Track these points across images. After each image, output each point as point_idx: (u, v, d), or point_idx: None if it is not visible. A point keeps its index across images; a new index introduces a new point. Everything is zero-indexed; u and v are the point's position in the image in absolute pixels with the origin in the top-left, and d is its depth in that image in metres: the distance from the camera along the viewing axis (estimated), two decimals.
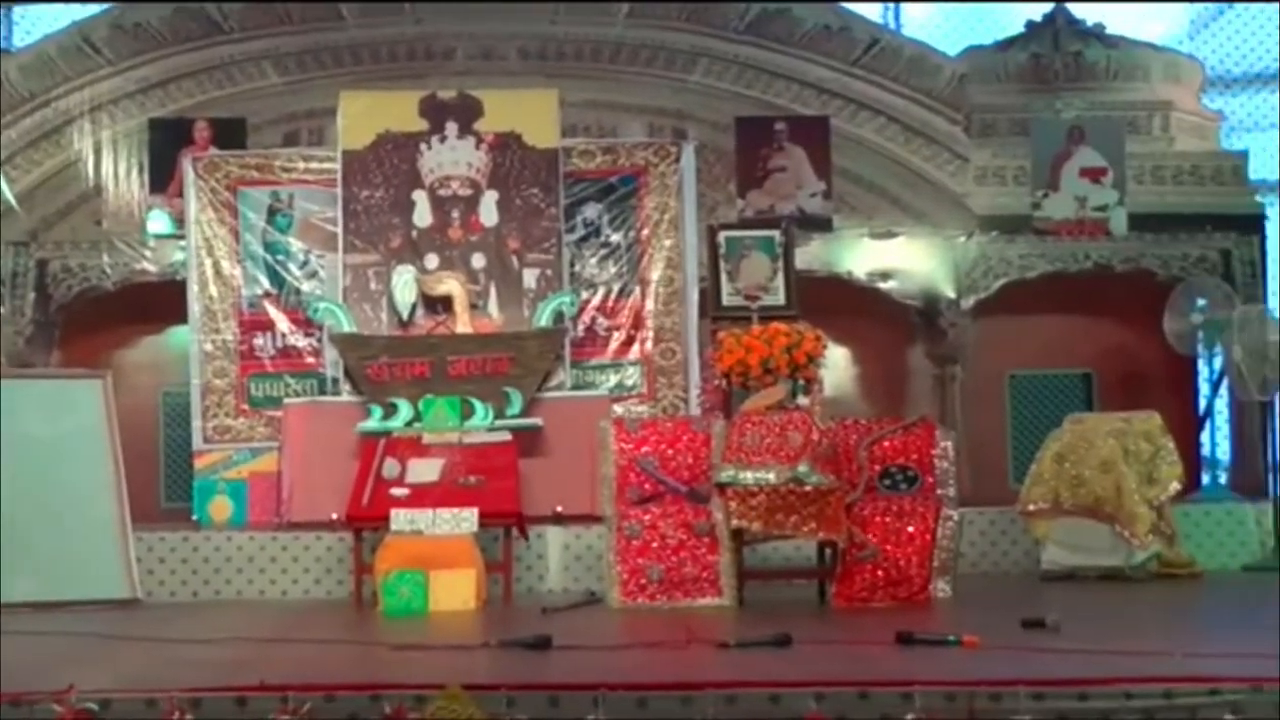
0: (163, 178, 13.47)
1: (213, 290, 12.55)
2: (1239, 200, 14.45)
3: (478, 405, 11.61)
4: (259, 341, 12.53)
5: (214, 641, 8.06)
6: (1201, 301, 12.81)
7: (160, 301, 13.29)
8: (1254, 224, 14.36)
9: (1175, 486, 11.09)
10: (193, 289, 12.57)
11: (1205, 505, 11.92)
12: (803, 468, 9.52)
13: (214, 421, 12.44)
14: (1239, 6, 15.04)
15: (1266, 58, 15.05)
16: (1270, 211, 14.53)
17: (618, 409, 12.04)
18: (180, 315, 12.74)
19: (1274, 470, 11.99)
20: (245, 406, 12.46)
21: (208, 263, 12.58)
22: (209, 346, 12.51)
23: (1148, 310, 13.24)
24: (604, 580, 9.97)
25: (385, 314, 12.34)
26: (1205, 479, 13.08)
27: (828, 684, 6.19)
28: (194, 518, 12.15)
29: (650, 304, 12.67)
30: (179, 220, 13.02)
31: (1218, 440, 13.37)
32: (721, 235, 12.11)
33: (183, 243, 12.87)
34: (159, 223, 13.50)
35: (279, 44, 14.29)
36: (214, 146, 13.35)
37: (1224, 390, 13.13)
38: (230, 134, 13.61)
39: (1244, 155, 14.60)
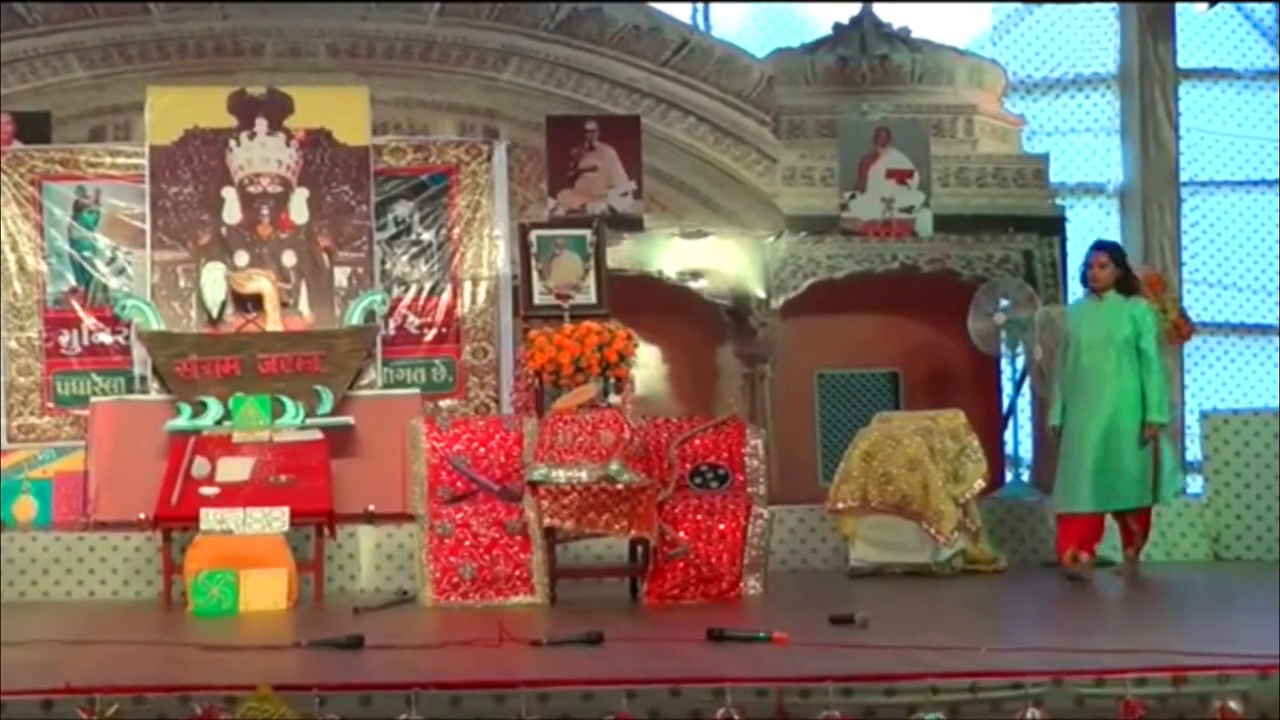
0: None
1: (17, 287, 12.32)
2: (1040, 203, 14.72)
3: (288, 404, 11.52)
4: (65, 339, 12.31)
5: (18, 644, 7.89)
6: (1004, 302, 13.04)
7: None
8: (1054, 226, 14.62)
9: (980, 484, 11.29)
10: None
11: (1009, 502, 12.15)
12: (614, 466, 9.58)
13: (18, 420, 12.21)
14: (1039, 13, 15.33)
15: (1065, 64, 15.35)
16: (1069, 214, 14.84)
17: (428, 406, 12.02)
18: None
19: None
20: (51, 405, 12.24)
21: (11, 259, 12.34)
22: (13, 344, 12.27)
23: (952, 310, 13.45)
24: (416, 579, 9.96)
25: (194, 311, 12.20)
26: (1009, 476, 13.31)
27: (639, 681, 6.24)
28: None
29: (462, 302, 12.64)
30: None
31: (1020, 438, 13.61)
32: (533, 234, 12.12)
33: None
34: None
35: (84, 37, 14.08)
36: (17, 140, 13.11)
37: (1026, 389, 13.37)
38: (34, 128, 13.37)
39: (1045, 159, 14.88)
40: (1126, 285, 10.80)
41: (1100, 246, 11.07)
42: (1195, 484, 13.27)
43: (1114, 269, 10.76)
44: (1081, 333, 10.77)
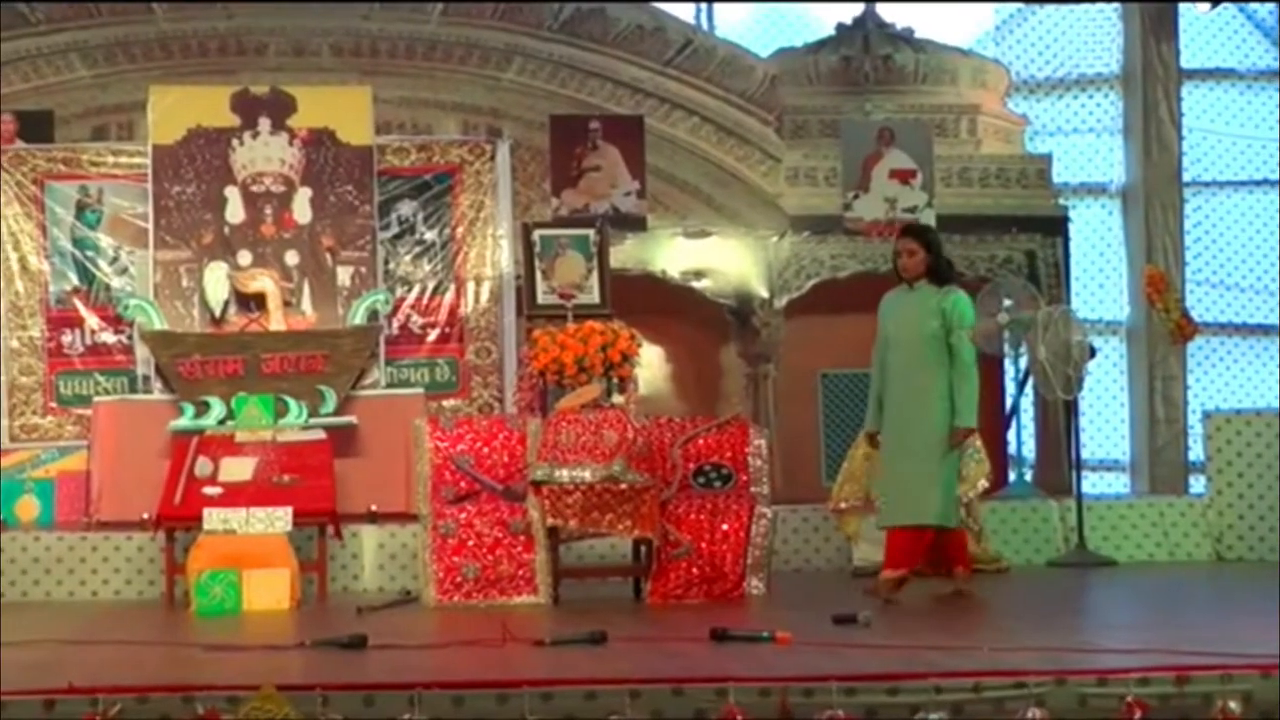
0: None
1: (19, 286, 12.32)
2: (1043, 203, 14.72)
3: (291, 403, 11.53)
4: (67, 339, 12.31)
5: (21, 644, 7.92)
6: (1007, 302, 13.02)
7: None
8: (1057, 226, 14.62)
9: (983, 484, 11.26)
10: None
11: (1011, 502, 12.14)
12: (618, 466, 9.58)
13: (21, 420, 12.21)
14: (1042, 13, 15.33)
15: (1068, 64, 15.35)
16: (1072, 214, 14.84)
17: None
18: None
19: (1077, 468, 12.22)
20: (53, 404, 12.24)
21: (13, 258, 12.35)
22: (15, 343, 12.27)
23: None
24: (419, 579, 9.97)
25: (197, 311, 12.21)
26: (1011, 476, 13.30)
27: (643, 681, 6.25)
28: None
29: (465, 302, 12.64)
30: None
31: (1023, 438, 13.60)
32: (536, 234, 12.14)
33: None
34: None
35: (86, 37, 14.08)
36: (20, 140, 13.11)
37: (1029, 389, 13.36)
38: (37, 127, 13.36)
39: (1048, 159, 14.88)
40: (939, 273, 9.68)
41: (906, 231, 10.08)
42: (1198, 484, 13.29)
43: (924, 255, 9.63)
44: (889, 328, 9.80)
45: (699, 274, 14.14)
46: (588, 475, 9.61)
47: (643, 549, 10.01)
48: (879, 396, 9.85)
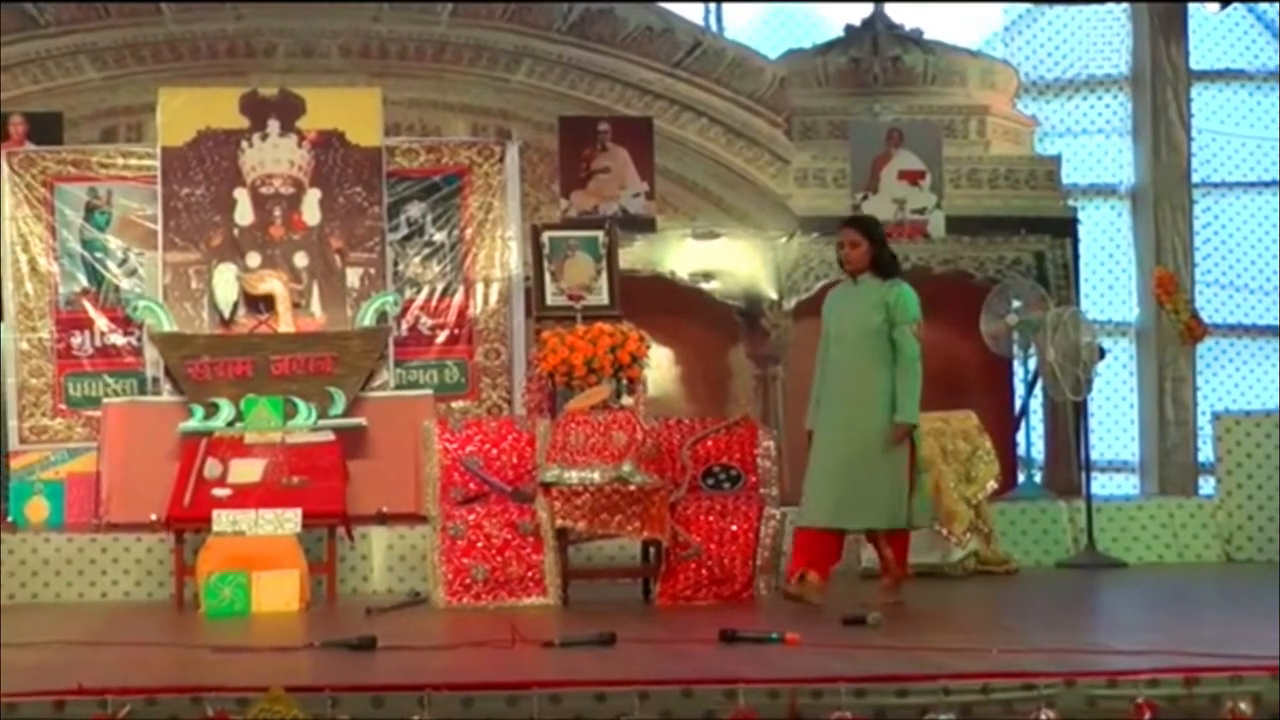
0: None
1: (29, 288, 12.32)
2: (1052, 204, 14.71)
3: (301, 405, 11.53)
4: (77, 340, 12.32)
5: (30, 645, 7.93)
6: (1017, 303, 13.02)
7: None
8: (1066, 227, 14.60)
9: (992, 485, 11.30)
10: (7, 286, 12.31)
11: (1021, 503, 12.13)
12: (627, 467, 9.58)
13: (30, 422, 12.22)
14: (1051, 14, 15.32)
15: (1077, 65, 15.34)
16: (1082, 215, 14.83)
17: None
18: None
19: (1086, 469, 12.21)
20: (63, 406, 12.24)
21: (23, 259, 12.36)
22: (25, 345, 12.28)
23: (965, 311, 13.42)
24: (429, 580, 9.98)
25: (206, 313, 12.21)
26: (1021, 477, 13.29)
27: (652, 683, 6.25)
28: (9, 519, 11.93)
29: (474, 303, 12.64)
30: None
31: (1032, 439, 13.59)
32: (545, 235, 12.14)
33: None
34: None
35: (95, 39, 14.11)
36: (29, 142, 13.13)
37: (1038, 390, 13.36)
38: (46, 129, 13.37)
39: (1057, 160, 14.87)
40: (883, 266, 9.39)
41: (849, 223, 9.79)
42: (1207, 485, 13.29)
43: (868, 248, 9.34)
44: (832, 323, 9.59)
45: (708, 275, 14.14)
46: (597, 477, 9.61)
47: (652, 550, 10.01)
48: (818, 394, 9.59)
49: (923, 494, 9.53)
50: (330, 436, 11.22)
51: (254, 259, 12.32)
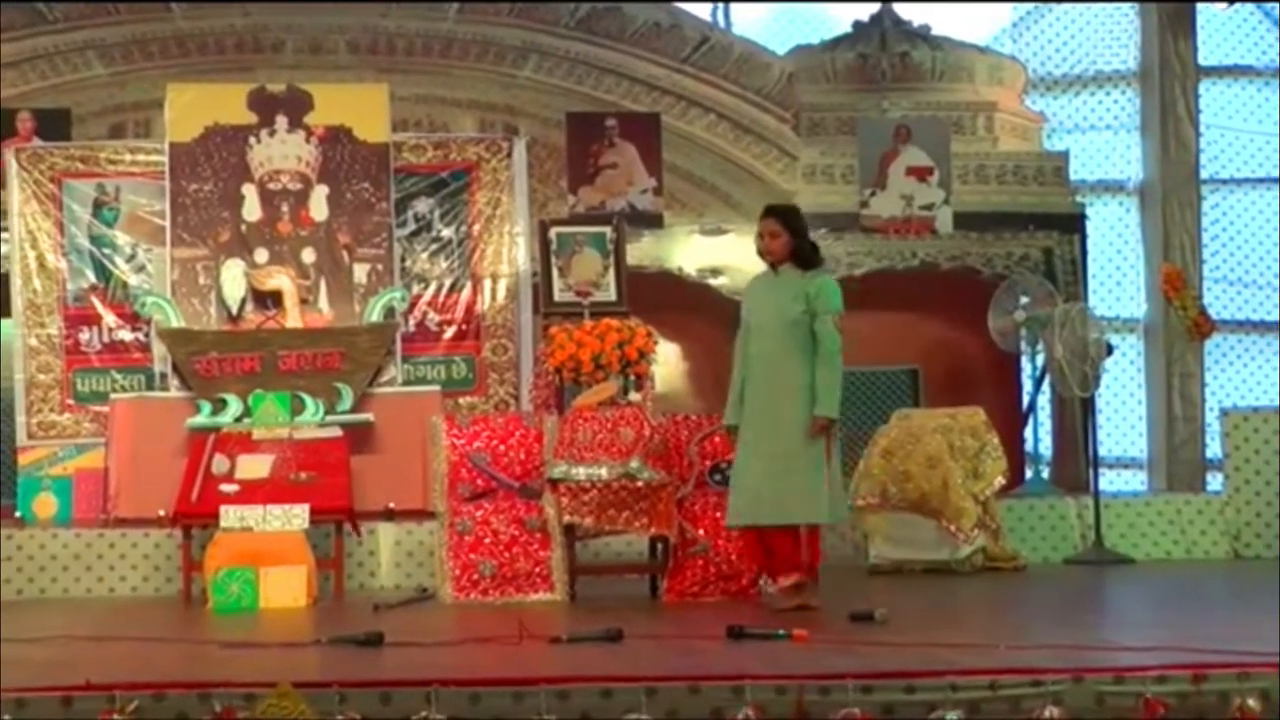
0: None
1: (37, 284, 12.34)
2: (1060, 200, 14.72)
3: (308, 401, 11.54)
4: (85, 336, 12.33)
5: (38, 640, 7.94)
6: (1024, 299, 13.02)
7: None
8: (1074, 223, 14.62)
9: (999, 481, 11.29)
10: (16, 283, 12.33)
11: (1028, 500, 12.13)
12: (634, 463, 9.58)
13: (38, 417, 12.23)
14: (1059, 10, 15.30)
15: (1085, 60, 15.33)
16: (1090, 211, 14.82)
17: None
18: (3, 309, 12.52)
19: (1094, 465, 12.21)
20: (71, 402, 12.25)
21: (31, 255, 12.37)
22: (33, 341, 12.29)
23: (972, 307, 13.43)
24: (436, 576, 9.97)
25: (214, 309, 12.22)
26: (1028, 474, 13.29)
27: (659, 679, 6.24)
28: (17, 515, 11.94)
29: (482, 299, 12.64)
30: (1, 212, 12.80)
31: (1040, 436, 13.58)
32: (553, 231, 12.13)
33: (5, 235, 12.66)
34: None
35: (104, 35, 14.12)
36: (37, 138, 13.15)
37: (1046, 386, 13.35)
38: (54, 125, 13.40)
39: (1065, 156, 14.87)
40: (804, 256, 9.04)
41: (769, 212, 9.32)
42: (1215, 481, 13.27)
43: (787, 238, 9.00)
44: (752, 315, 9.16)
45: (715, 271, 14.14)
46: (604, 473, 9.61)
47: (659, 546, 10.00)
48: (741, 388, 9.07)
49: (837, 488, 9.07)
50: (338, 432, 11.22)
51: (262, 255, 12.33)
